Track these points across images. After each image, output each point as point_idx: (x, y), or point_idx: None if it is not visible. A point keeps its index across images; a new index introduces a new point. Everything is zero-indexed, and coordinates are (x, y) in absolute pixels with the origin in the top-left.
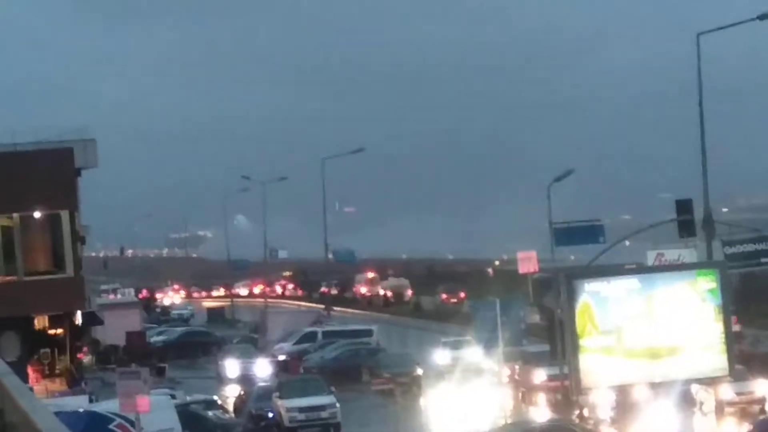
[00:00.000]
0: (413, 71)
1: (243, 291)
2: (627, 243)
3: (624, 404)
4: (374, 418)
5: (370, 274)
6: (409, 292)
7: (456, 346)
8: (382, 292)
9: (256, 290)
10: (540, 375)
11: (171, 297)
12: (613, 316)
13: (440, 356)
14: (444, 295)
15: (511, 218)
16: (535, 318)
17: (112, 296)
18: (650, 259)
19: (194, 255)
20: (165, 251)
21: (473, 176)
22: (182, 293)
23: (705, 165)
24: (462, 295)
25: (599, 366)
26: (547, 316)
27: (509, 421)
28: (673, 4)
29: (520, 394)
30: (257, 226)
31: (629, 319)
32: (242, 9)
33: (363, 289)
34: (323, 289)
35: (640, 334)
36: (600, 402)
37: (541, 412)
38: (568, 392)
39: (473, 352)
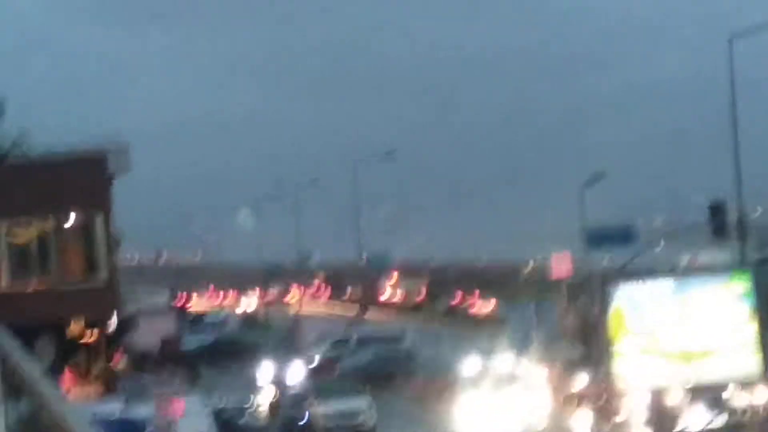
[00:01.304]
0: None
1: (276, 295)
2: (661, 245)
3: (659, 407)
4: (408, 423)
5: (394, 278)
6: (422, 295)
7: (488, 351)
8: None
9: (289, 295)
10: (581, 380)
11: (205, 301)
12: (646, 319)
13: (472, 363)
14: (457, 300)
15: (545, 221)
16: (569, 321)
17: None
18: (684, 262)
19: (229, 259)
20: (199, 255)
21: (507, 179)
22: (219, 297)
23: (738, 167)
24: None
25: (633, 369)
26: (582, 320)
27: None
28: (709, 4)
29: (562, 399)
30: (261, 225)
31: (663, 322)
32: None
33: (386, 293)
34: (349, 293)
35: (674, 337)
36: (635, 405)
37: (582, 417)
38: (606, 397)
39: (506, 359)
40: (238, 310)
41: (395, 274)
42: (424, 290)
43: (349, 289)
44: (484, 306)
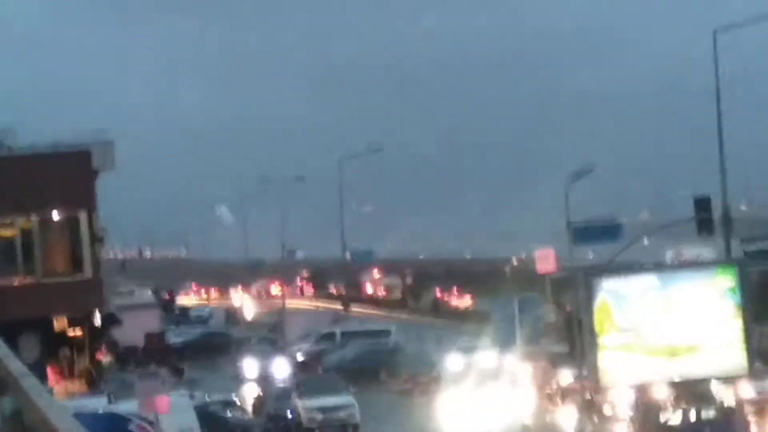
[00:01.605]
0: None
1: (260, 291)
2: (646, 241)
3: (644, 402)
4: (393, 419)
5: (376, 275)
6: (400, 291)
7: (471, 349)
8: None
9: (274, 290)
10: (566, 376)
11: (189, 297)
12: (631, 315)
13: (455, 360)
14: (441, 295)
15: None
16: (553, 317)
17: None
18: (669, 257)
19: (212, 255)
20: (183, 252)
21: (491, 174)
22: (203, 294)
23: (723, 163)
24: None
25: (618, 364)
26: (565, 315)
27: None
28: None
29: (546, 394)
30: (246, 221)
31: (648, 317)
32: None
33: (369, 289)
34: (332, 289)
35: (659, 332)
36: (620, 400)
37: (567, 412)
38: (591, 392)
39: (489, 356)
40: (223, 306)
41: (376, 270)
42: (405, 286)
43: (333, 285)
44: (467, 301)
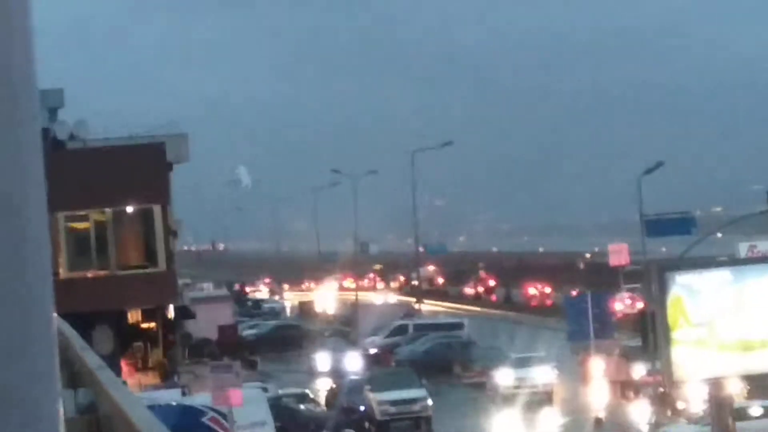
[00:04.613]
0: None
1: (333, 284)
2: (719, 235)
3: (717, 396)
4: (465, 412)
5: (431, 267)
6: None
7: (524, 363)
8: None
9: (347, 284)
10: (639, 370)
11: (263, 290)
12: (704, 309)
13: (504, 377)
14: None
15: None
16: (626, 310)
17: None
18: (742, 250)
19: (285, 248)
20: (256, 245)
21: (565, 169)
22: (285, 286)
23: None
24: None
25: (691, 359)
26: (639, 309)
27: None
28: None
29: (620, 388)
30: (319, 214)
31: (721, 312)
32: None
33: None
34: (400, 279)
35: (733, 327)
36: (693, 395)
37: (639, 406)
38: (664, 386)
39: (544, 372)
40: (297, 298)
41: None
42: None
43: (404, 278)
44: (540, 295)
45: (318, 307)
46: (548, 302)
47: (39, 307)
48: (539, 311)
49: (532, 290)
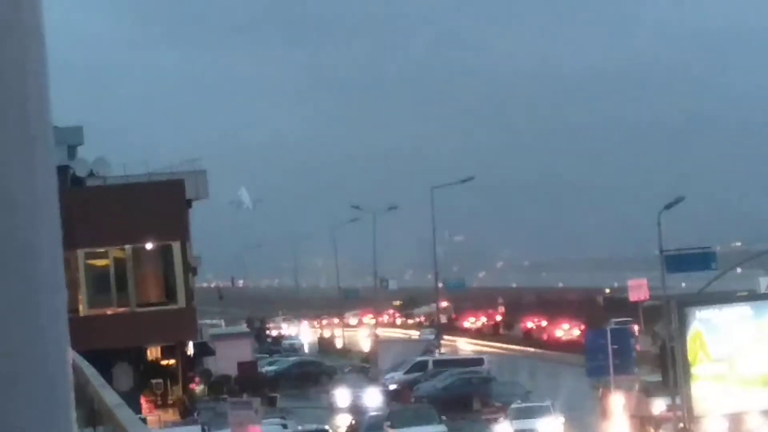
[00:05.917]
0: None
1: (353, 320)
2: (739, 270)
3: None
4: None
5: (444, 303)
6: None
7: (525, 414)
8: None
9: (366, 320)
10: (659, 405)
11: (282, 327)
12: (725, 344)
13: (502, 430)
14: (533, 325)
15: (624, 245)
16: (647, 346)
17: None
18: (762, 285)
19: (303, 285)
20: (275, 281)
21: (585, 204)
22: (306, 323)
23: None
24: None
25: (712, 394)
26: (659, 344)
27: None
28: None
29: (640, 423)
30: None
31: (741, 347)
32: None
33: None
34: (418, 317)
35: (753, 362)
36: (713, 431)
37: None
38: (683, 421)
39: (548, 424)
40: (316, 335)
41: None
42: (497, 316)
43: (423, 315)
44: (560, 331)
45: (337, 343)
46: (566, 338)
47: (54, 348)
48: (558, 346)
49: (530, 324)
